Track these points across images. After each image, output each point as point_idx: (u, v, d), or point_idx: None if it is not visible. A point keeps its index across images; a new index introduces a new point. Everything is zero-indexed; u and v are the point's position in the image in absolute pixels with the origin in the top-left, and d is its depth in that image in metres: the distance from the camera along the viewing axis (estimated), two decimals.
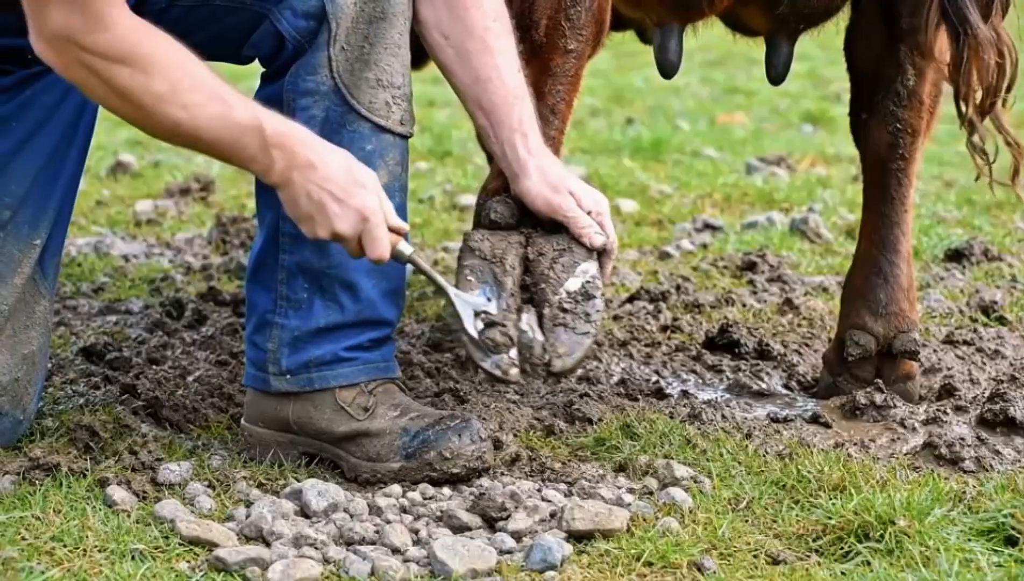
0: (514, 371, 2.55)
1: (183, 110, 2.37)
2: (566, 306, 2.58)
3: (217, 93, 2.40)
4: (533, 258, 2.64)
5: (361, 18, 2.57)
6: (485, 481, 2.56)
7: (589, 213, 2.64)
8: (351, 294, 2.63)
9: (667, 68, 3.13)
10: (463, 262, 2.64)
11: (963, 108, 2.91)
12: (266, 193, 2.62)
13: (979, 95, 2.89)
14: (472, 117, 2.72)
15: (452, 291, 2.56)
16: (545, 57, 2.77)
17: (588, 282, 2.60)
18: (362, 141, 2.59)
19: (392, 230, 2.47)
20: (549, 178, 2.65)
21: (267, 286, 2.66)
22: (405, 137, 2.64)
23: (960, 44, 2.84)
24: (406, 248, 2.50)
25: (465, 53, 2.66)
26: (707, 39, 3.43)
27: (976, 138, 2.95)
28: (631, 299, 3.93)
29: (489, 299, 2.59)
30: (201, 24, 2.64)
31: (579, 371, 3.12)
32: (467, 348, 2.57)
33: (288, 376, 2.65)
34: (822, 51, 9.13)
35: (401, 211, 2.64)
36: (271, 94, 2.62)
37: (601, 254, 2.64)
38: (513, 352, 2.55)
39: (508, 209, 2.69)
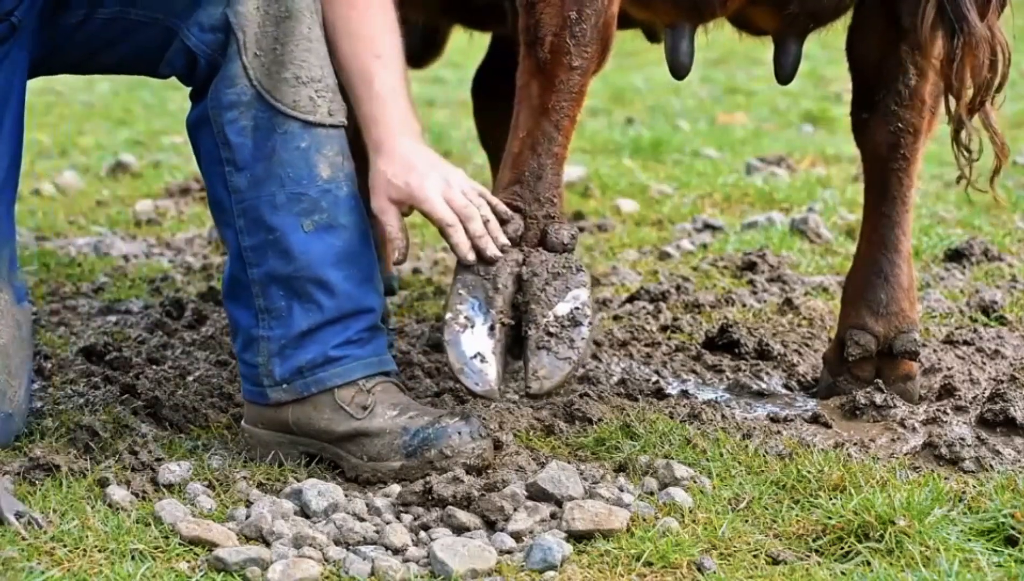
0: (495, 389, 2.62)
1: None
2: (552, 330, 2.64)
3: None
4: (527, 278, 2.68)
5: (267, 21, 2.59)
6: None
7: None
8: (326, 291, 2.63)
9: (679, 69, 3.12)
10: (457, 275, 2.68)
11: (952, 105, 2.91)
12: (222, 215, 2.65)
13: (970, 93, 2.89)
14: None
15: None
16: (550, 73, 2.77)
17: (577, 309, 2.65)
18: (295, 140, 2.61)
19: None
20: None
21: (245, 303, 2.67)
22: (338, 127, 2.65)
23: (955, 41, 2.84)
24: None
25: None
26: (707, 38, 3.42)
27: (963, 136, 2.95)
28: (631, 299, 3.93)
29: (476, 313, 2.64)
30: (118, 38, 2.67)
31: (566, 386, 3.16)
32: (453, 365, 2.62)
33: (284, 386, 2.65)
34: (822, 51, 9.13)
35: (356, 201, 2.66)
36: (199, 115, 2.66)
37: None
38: (494, 369, 2.61)
39: (512, 225, 2.73)
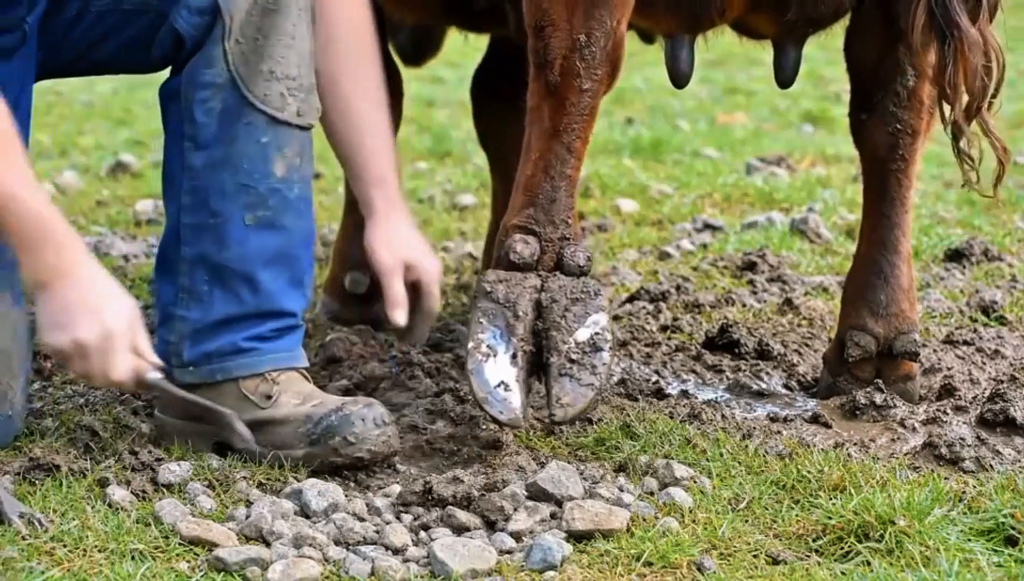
0: (520, 417, 2.65)
1: None
2: (573, 356, 2.67)
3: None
4: (546, 304, 2.71)
5: (254, 11, 2.61)
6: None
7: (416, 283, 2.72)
8: (250, 287, 2.65)
9: (679, 77, 3.13)
10: (477, 304, 2.71)
11: (947, 112, 2.91)
12: (170, 187, 2.68)
13: (965, 98, 2.89)
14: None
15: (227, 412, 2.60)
16: (561, 96, 2.77)
17: (597, 334, 2.68)
18: (257, 133, 2.62)
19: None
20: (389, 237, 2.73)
21: (170, 279, 2.70)
22: (304, 128, 2.67)
23: (946, 46, 2.84)
24: (154, 376, 2.52)
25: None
26: (707, 42, 3.42)
27: (963, 143, 2.95)
28: (631, 299, 3.93)
29: (497, 342, 2.68)
30: (112, 31, 2.69)
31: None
32: (476, 394, 2.65)
33: (191, 368, 2.68)
34: (822, 51, 9.14)
35: (306, 204, 2.68)
36: (172, 88, 2.67)
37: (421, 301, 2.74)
38: (518, 398, 2.64)
39: (528, 249, 2.73)
